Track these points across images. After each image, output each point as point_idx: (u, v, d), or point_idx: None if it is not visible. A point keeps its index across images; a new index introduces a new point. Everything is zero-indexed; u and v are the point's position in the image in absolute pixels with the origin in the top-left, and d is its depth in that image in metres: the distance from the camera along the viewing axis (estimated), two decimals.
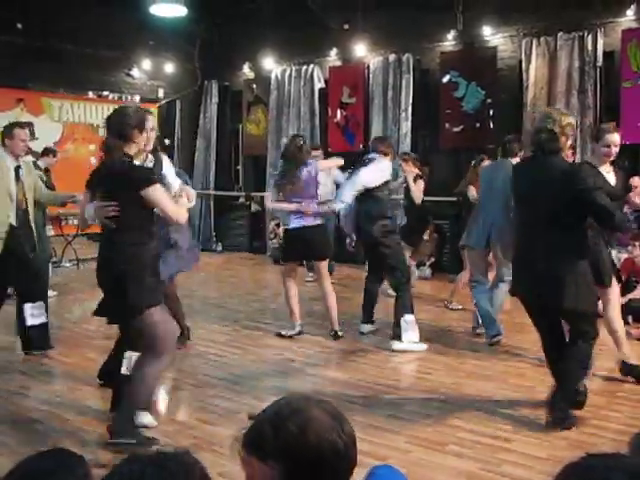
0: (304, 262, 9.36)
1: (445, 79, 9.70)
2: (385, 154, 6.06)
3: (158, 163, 4.53)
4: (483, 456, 3.57)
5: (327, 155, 9.54)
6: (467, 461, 3.52)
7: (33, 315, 5.49)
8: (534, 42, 8.86)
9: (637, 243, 6.88)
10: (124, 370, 3.91)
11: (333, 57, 11.06)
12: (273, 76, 11.68)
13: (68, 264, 10.08)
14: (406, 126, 10.03)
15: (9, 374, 5.08)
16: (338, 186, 8.58)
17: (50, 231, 8.34)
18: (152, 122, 4.36)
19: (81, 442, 3.71)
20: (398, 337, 5.67)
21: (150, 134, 4.25)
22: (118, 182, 3.65)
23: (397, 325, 5.70)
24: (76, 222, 7.79)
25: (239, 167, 12.95)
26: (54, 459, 1.47)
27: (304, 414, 1.34)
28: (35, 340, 5.55)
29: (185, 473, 1.20)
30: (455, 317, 6.85)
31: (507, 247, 5.48)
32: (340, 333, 6.04)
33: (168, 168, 4.68)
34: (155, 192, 3.61)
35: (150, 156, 4.46)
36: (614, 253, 7.05)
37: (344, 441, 1.34)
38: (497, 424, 4.03)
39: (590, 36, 8.41)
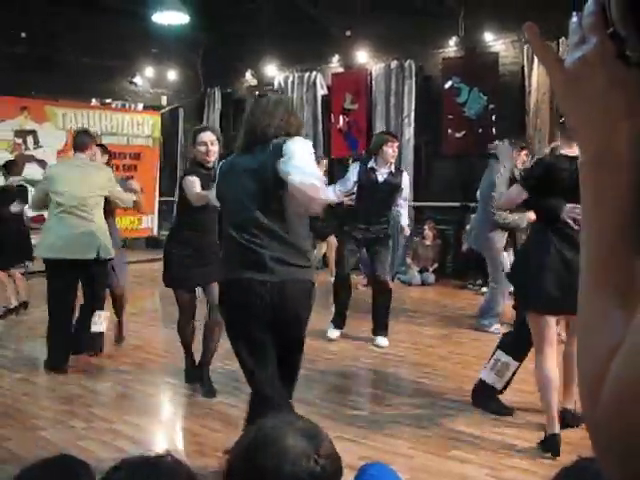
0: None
1: (447, 85, 9.72)
2: None
3: None
4: (487, 461, 3.57)
5: (330, 161, 9.58)
6: (471, 466, 3.52)
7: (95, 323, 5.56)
8: None
9: None
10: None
11: (335, 64, 11.09)
12: (276, 83, 11.71)
13: None
14: (409, 132, 10.05)
15: (12, 381, 5.09)
16: None
17: None
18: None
19: (86, 449, 3.72)
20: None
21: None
22: None
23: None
24: None
25: None
26: (59, 466, 1.48)
27: (277, 445, 1.32)
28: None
29: (172, 476, 1.22)
30: (458, 322, 6.84)
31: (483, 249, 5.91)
32: None
33: None
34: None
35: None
36: None
37: (321, 465, 1.33)
38: (500, 429, 4.03)
39: None
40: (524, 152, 6.44)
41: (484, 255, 6.43)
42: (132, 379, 5.08)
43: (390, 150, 6.00)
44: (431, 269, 9.49)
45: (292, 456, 1.30)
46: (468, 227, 7.07)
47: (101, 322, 5.51)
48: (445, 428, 4.08)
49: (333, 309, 6.42)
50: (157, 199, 12.23)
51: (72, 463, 1.50)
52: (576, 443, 3.79)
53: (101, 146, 6.31)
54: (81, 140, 5.39)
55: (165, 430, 4.18)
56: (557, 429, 3.59)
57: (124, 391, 4.81)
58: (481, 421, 4.17)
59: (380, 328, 6.11)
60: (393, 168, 6.14)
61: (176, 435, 4.13)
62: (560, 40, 8.67)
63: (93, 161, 5.52)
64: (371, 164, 6.08)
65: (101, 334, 5.59)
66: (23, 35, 10.50)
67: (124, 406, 4.51)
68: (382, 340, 6.03)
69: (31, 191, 6.35)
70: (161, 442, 4.00)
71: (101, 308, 5.52)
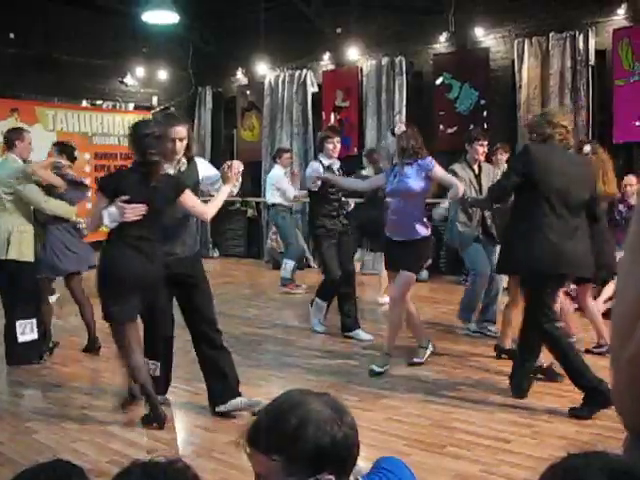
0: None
1: (438, 81, 9.73)
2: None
3: (193, 168, 4.40)
4: (482, 457, 3.57)
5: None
6: (466, 462, 3.52)
7: (24, 333, 5.40)
8: (526, 42, 8.89)
9: None
10: None
11: (326, 61, 11.08)
12: (266, 81, 11.70)
13: None
14: (400, 129, 10.03)
15: (6, 384, 5.08)
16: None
17: None
18: (180, 132, 4.24)
19: (79, 451, 3.71)
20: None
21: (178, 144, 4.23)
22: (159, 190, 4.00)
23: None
24: None
25: None
26: (53, 470, 1.47)
27: (303, 407, 1.39)
28: (24, 354, 5.44)
29: None
30: (452, 320, 6.84)
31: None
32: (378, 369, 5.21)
33: (207, 170, 4.52)
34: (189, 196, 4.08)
35: (183, 161, 4.33)
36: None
37: (344, 432, 1.38)
38: (496, 425, 4.04)
39: (582, 35, 8.44)
40: (479, 143, 6.17)
41: (459, 251, 6.51)
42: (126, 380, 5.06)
43: (331, 145, 6.23)
44: (424, 265, 9.48)
45: (316, 419, 1.36)
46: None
47: (28, 331, 5.38)
48: (439, 425, 4.08)
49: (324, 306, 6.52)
50: None
51: (66, 468, 1.49)
52: (572, 437, 3.81)
53: (61, 145, 6.04)
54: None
55: (159, 431, 4.17)
56: None
57: (118, 392, 4.80)
58: (475, 417, 4.17)
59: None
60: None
61: (171, 436, 4.12)
62: (550, 35, 8.70)
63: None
64: (325, 161, 6.27)
65: (33, 342, 5.46)
66: (12, 36, 10.44)
67: (118, 408, 4.49)
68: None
69: None
70: (155, 443, 3.98)
71: (25, 317, 5.40)
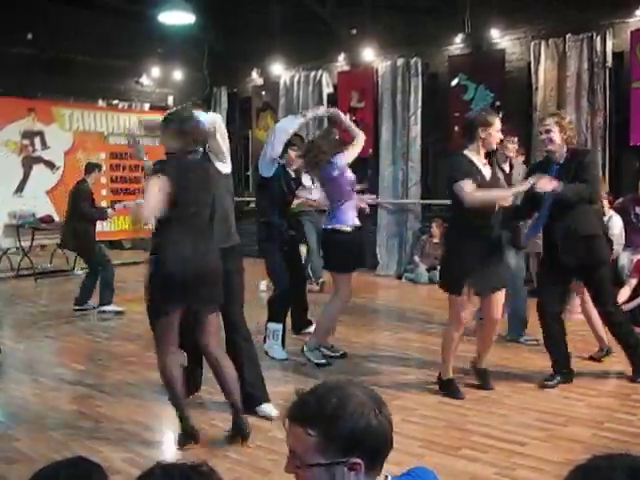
0: None
1: (454, 82, 9.70)
2: None
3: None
4: (497, 460, 3.56)
5: None
6: (481, 465, 3.51)
7: None
8: (542, 44, 8.84)
9: None
10: None
11: (341, 62, 11.08)
12: (282, 82, 11.71)
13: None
14: (415, 130, 10.03)
15: (22, 382, 5.11)
16: None
17: None
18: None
19: (95, 449, 3.73)
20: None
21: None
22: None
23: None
24: None
25: (249, 173, 12.98)
26: (73, 468, 1.48)
27: (345, 390, 1.44)
28: None
29: None
30: (470, 322, 6.82)
31: None
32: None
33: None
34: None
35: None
36: (627, 254, 7.04)
37: (379, 420, 1.41)
38: (511, 428, 4.02)
39: (599, 37, 8.38)
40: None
41: None
42: (140, 379, 5.09)
43: (293, 154, 6.39)
44: (439, 267, 9.46)
45: (356, 402, 1.41)
46: None
47: None
48: (454, 427, 4.07)
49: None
50: None
51: (86, 465, 1.50)
52: (587, 441, 3.78)
53: None
54: None
55: (174, 430, 4.18)
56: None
57: (133, 391, 4.82)
58: (490, 420, 4.16)
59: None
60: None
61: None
62: (567, 36, 8.65)
63: None
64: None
65: None
66: (29, 37, 10.52)
67: (133, 406, 4.52)
68: None
69: None
70: (170, 442, 4.00)
71: None
